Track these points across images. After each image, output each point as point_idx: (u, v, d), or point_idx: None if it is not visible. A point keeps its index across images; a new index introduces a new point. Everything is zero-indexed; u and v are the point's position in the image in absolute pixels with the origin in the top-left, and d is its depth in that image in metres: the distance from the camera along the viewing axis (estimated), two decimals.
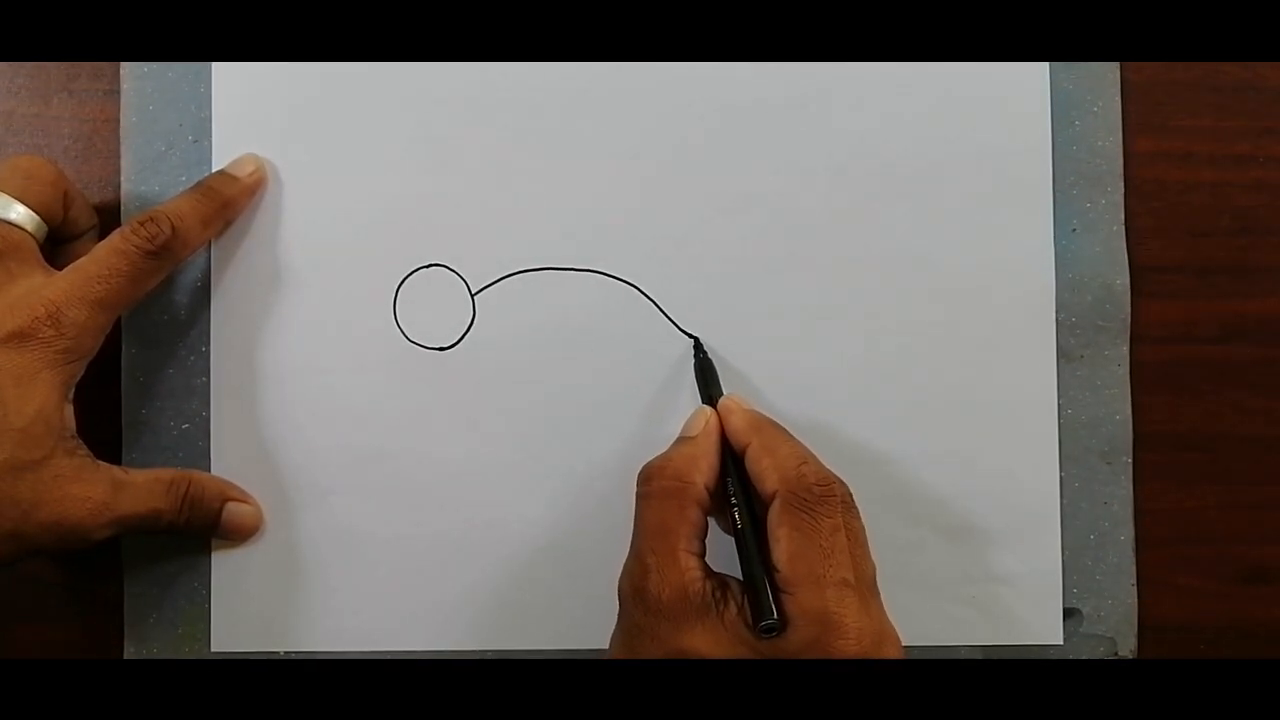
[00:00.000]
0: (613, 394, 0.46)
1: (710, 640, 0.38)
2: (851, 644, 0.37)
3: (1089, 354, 0.47)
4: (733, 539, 0.41)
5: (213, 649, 0.46)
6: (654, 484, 0.41)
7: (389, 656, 0.46)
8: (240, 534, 0.45)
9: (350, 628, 0.46)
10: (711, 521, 0.41)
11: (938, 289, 0.46)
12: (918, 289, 0.46)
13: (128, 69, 0.46)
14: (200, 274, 0.46)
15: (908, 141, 0.46)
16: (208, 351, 0.46)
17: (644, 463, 0.41)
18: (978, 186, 0.46)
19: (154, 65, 0.46)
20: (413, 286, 0.46)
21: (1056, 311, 0.46)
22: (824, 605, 0.37)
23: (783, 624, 0.38)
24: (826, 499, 0.39)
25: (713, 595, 0.39)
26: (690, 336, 0.46)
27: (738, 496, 0.41)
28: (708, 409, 0.43)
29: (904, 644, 0.46)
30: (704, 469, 0.41)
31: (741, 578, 0.40)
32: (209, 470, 0.46)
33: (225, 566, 0.46)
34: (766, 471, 0.40)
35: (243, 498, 0.45)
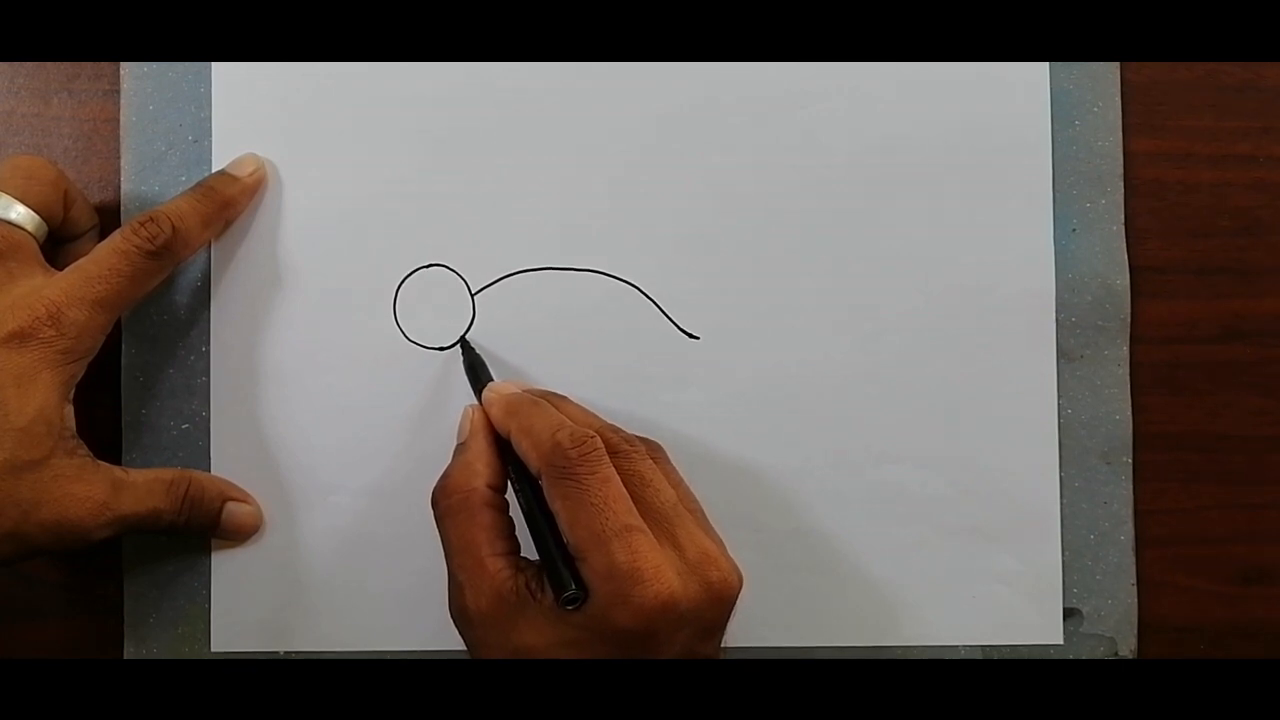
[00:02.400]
0: (613, 394, 0.46)
1: (536, 631, 0.38)
2: (653, 586, 0.37)
3: (1089, 354, 0.47)
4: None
5: (213, 649, 0.46)
6: (442, 503, 0.41)
7: (389, 656, 0.46)
8: (240, 534, 0.45)
9: (350, 628, 0.46)
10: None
11: (938, 289, 0.46)
12: (918, 289, 0.46)
13: (128, 69, 0.46)
14: (200, 274, 0.46)
15: (907, 141, 0.46)
16: (208, 351, 0.46)
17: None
18: (978, 186, 0.46)
19: (154, 65, 0.46)
20: (413, 286, 0.46)
21: (1056, 311, 0.46)
22: (611, 560, 0.37)
23: (585, 593, 0.37)
24: (586, 456, 0.38)
25: (528, 588, 0.39)
26: (691, 337, 0.46)
27: (517, 482, 0.41)
28: (469, 408, 0.43)
29: (904, 644, 0.46)
30: (482, 470, 0.41)
31: None
32: (209, 470, 0.46)
33: (225, 566, 0.46)
34: (528, 454, 0.40)
35: (243, 498, 0.45)
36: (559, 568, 0.38)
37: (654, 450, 0.42)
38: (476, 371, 0.45)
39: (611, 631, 0.37)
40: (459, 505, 0.40)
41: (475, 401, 0.43)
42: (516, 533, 0.41)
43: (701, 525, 0.40)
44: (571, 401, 0.43)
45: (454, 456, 0.42)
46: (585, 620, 0.37)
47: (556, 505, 0.39)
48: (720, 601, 0.39)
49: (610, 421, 0.42)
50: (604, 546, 0.37)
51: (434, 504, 0.41)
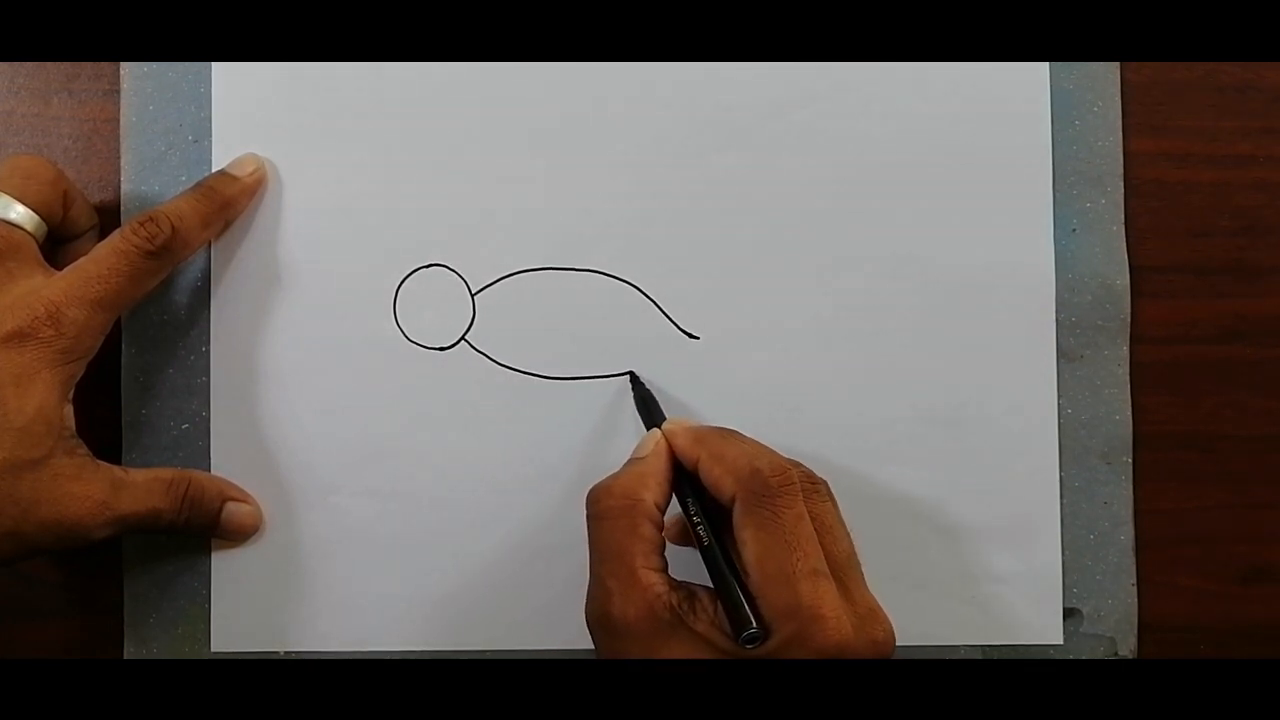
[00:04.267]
0: (613, 394, 0.46)
1: (686, 653, 0.37)
2: (832, 633, 0.37)
3: (1089, 354, 0.47)
4: (701, 556, 0.40)
5: (213, 649, 0.46)
6: (602, 504, 0.40)
7: (389, 656, 0.46)
8: (240, 534, 0.45)
9: (350, 628, 0.46)
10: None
11: (938, 289, 0.46)
12: (918, 289, 0.46)
13: (128, 69, 0.46)
14: (200, 274, 0.46)
15: (908, 141, 0.46)
16: (208, 351, 0.46)
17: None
18: (978, 186, 0.46)
19: (154, 65, 0.46)
20: (413, 286, 0.46)
21: (1056, 311, 0.46)
22: (798, 600, 0.37)
23: (764, 631, 0.37)
24: (785, 488, 0.38)
25: (681, 607, 0.38)
26: (691, 337, 0.46)
27: (699, 513, 0.40)
28: (656, 431, 0.42)
29: (904, 644, 0.46)
30: (652, 485, 0.40)
31: (710, 586, 0.39)
32: (209, 470, 0.46)
33: (225, 566, 0.46)
34: (721, 479, 0.39)
35: (242, 498, 0.45)
36: (741, 604, 0.38)
37: (829, 492, 0.41)
38: (648, 405, 0.44)
39: None
40: (621, 510, 0.39)
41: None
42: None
43: (864, 579, 0.40)
44: (747, 437, 0.42)
45: (625, 466, 0.42)
46: (755, 655, 0.37)
47: (746, 534, 0.38)
48: (880, 658, 0.38)
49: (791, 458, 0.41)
50: (793, 585, 0.37)
51: (592, 502, 0.40)
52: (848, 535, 0.40)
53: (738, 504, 0.39)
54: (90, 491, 0.41)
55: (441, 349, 0.46)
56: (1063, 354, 0.46)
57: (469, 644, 0.46)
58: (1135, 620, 0.46)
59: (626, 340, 0.46)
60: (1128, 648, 0.46)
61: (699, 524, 0.40)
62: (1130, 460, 0.47)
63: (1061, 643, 0.46)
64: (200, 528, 0.44)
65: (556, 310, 0.46)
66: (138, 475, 0.43)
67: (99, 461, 0.42)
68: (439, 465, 0.46)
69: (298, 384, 0.46)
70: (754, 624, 0.37)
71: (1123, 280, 0.47)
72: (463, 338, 0.46)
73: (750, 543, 0.38)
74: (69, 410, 0.42)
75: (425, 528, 0.46)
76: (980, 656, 0.46)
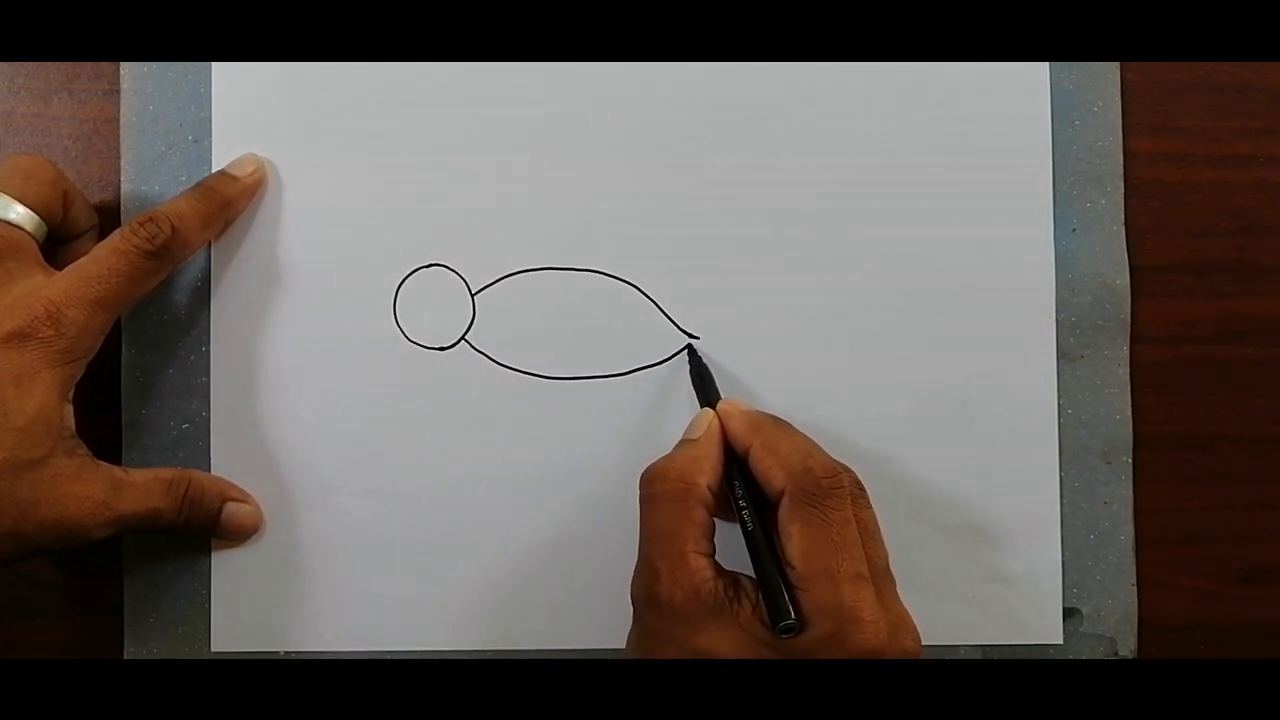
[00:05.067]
0: (613, 394, 0.46)
1: (727, 640, 0.38)
2: (869, 637, 0.37)
3: (1089, 354, 0.47)
4: (743, 539, 0.40)
5: (213, 649, 0.46)
6: (657, 486, 0.40)
7: (389, 656, 0.46)
8: (240, 534, 0.45)
9: (350, 628, 0.46)
10: (720, 521, 0.41)
11: (938, 289, 0.46)
12: (918, 289, 0.46)
13: (128, 69, 0.46)
14: (200, 274, 0.46)
15: (908, 141, 0.46)
16: (208, 351, 0.46)
17: (645, 464, 0.41)
18: (978, 186, 0.46)
19: (154, 65, 0.46)
20: (413, 286, 0.46)
21: (1056, 311, 0.46)
22: (839, 600, 0.37)
23: (801, 623, 0.38)
24: (835, 490, 0.39)
25: (726, 594, 0.38)
26: (691, 337, 0.46)
27: (745, 498, 0.41)
28: (709, 411, 0.43)
29: None
30: (707, 470, 0.41)
31: (754, 576, 0.39)
32: (209, 470, 0.46)
33: (225, 566, 0.46)
34: (772, 470, 0.40)
35: (242, 498, 0.45)
36: (781, 594, 0.38)
37: (868, 500, 0.41)
38: (704, 380, 0.44)
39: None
40: (677, 492, 0.40)
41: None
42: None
43: (896, 588, 0.40)
44: (799, 430, 0.42)
45: (679, 448, 0.42)
46: (789, 648, 0.37)
47: (793, 529, 0.39)
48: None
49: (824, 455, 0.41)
50: (836, 586, 0.37)
51: (646, 483, 0.41)
52: (884, 544, 0.40)
53: (787, 498, 0.39)
54: (90, 491, 0.41)
55: (441, 349, 0.46)
56: (1063, 354, 0.46)
57: (469, 644, 0.46)
58: (1135, 620, 0.46)
59: (626, 340, 0.46)
60: (1128, 648, 0.46)
61: (745, 509, 0.40)
62: (1130, 460, 0.47)
63: (1061, 643, 0.46)
64: (200, 528, 0.44)
65: (556, 310, 0.46)
66: (138, 475, 0.43)
67: (99, 462, 0.42)
68: (439, 465, 0.46)
69: (298, 384, 0.46)
70: (792, 615, 0.37)
71: (1123, 280, 0.47)
72: (463, 338, 0.46)
73: (797, 537, 0.38)
74: (69, 410, 0.42)
75: (425, 528, 0.46)
76: (980, 656, 0.46)
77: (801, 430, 0.42)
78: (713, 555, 0.40)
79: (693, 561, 0.39)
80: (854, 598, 0.37)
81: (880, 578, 0.39)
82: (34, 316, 0.40)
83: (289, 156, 0.46)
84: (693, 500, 0.40)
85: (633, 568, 0.40)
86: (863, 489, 0.40)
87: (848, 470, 0.40)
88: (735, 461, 0.41)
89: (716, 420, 0.42)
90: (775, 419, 0.42)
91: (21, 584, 0.46)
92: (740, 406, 0.43)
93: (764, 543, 0.39)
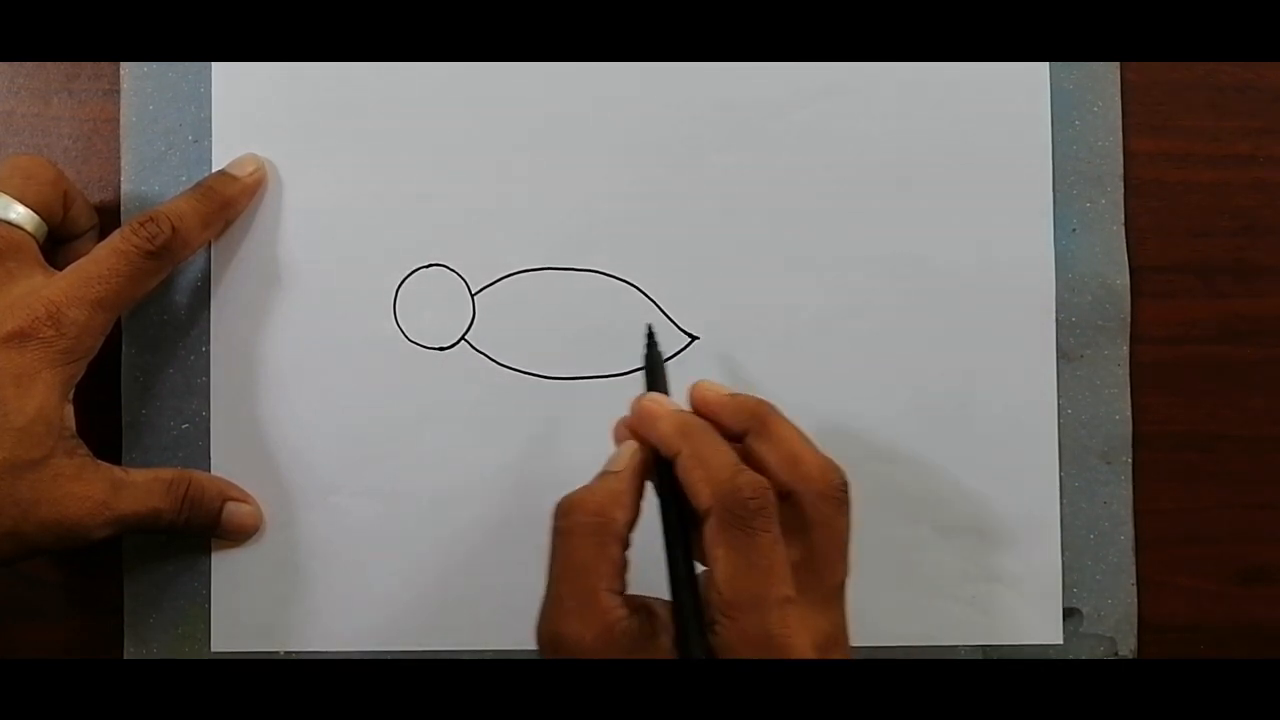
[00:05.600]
0: (613, 394, 0.46)
1: None
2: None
3: (1089, 354, 0.47)
4: (665, 558, 0.39)
5: (213, 649, 0.46)
6: (573, 519, 0.38)
7: (389, 656, 0.46)
8: (240, 534, 0.45)
9: (350, 628, 0.46)
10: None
11: (938, 289, 0.46)
12: (918, 289, 0.46)
13: (128, 69, 0.46)
14: (200, 274, 0.46)
15: (908, 141, 0.46)
16: (208, 351, 0.46)
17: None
18: (978, 186, 0.46)
19: (154, 65, 0.46)
20: (413, 286, 0.46)
21: (1056, 311, 0.46)
22: (766, 629, 0.36)
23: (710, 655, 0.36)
24: (762, 511, 0.36)
25: (640, 632, 0.37)
26: (691, 337, 0.46)
27: (667, 508, 0.39)
28: (633, 444, 0.40)
29: (904, 644, 0.46)
30: (626, 505, 0.38)
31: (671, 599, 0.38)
32: (209, 470, 0.46)
33: (225, 566, 0.46)
34: (698, 484, 0.37)
35: (242, 497, 0.45)
36: (694, 634, 0.36)
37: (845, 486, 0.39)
38: (655, 372, 0.42)
39: None
40: (592, 528, 0.38)
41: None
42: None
43: (844, 600, 0.38)
44: (785, 421, 0.40)
45: (598, 479, 0.39)
46: None
47: (718, 552, 0.36)
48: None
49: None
50: (763, 614, 0.36)
51: (561, 515, 0.38)
52: (845, 564, 0.38)
53: (713, 518, 0.37)
54: (90, 492, 0.41)
55: (441, 349, 0.46)
56: (1063, 354, 0.46)
57: (469, 644, 0.46)
58: (1135, 620, 0.46)
59: (626, 340, 0.46)
60: (1128, 648, 0.46)
61: (666, 518, 0.39)
62: (1130, 460, 0.47)
63: (1061, 643, 0.46)
64: (200, 528, 0.44)
65: (556, 310, 0.46)
66: (138, 475, 0.43)
67: (99, 461, 0.42)
68: (439, 465, 0.46)
69: (298, 384, 0.46)
70: (704, 655, 0.36)
71: (1123, 280, 0.47)
72: (463, 338, 0.46)
73: (721, 561, 0.36)
74: (69, 410, 0.42)
75: (425, 528, 0.46)
76: (980, 656, 0.46)
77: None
78: (624, 591, 0.38)
79: (604, 600, 0.37)
80: (781, 625, 0.36)
81: (822, 601, 0.37)
82: (34, 317, 0.40)
83: (289, 156, 0.46)
84: (609, 536, 0.38)
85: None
86: (846, 493, 0.38)
87: (837, 470, 0.38)
88: (663, 468, 0.39)
89: (640, 453, 0.39)
90: (706, 425, 0.39)
91: (21, 584, 0.46)
92: (669, 407, 0.40)
93: (681, 559, 0.38)
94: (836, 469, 0.39)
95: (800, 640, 0.36)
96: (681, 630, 0.37)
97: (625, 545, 0.38)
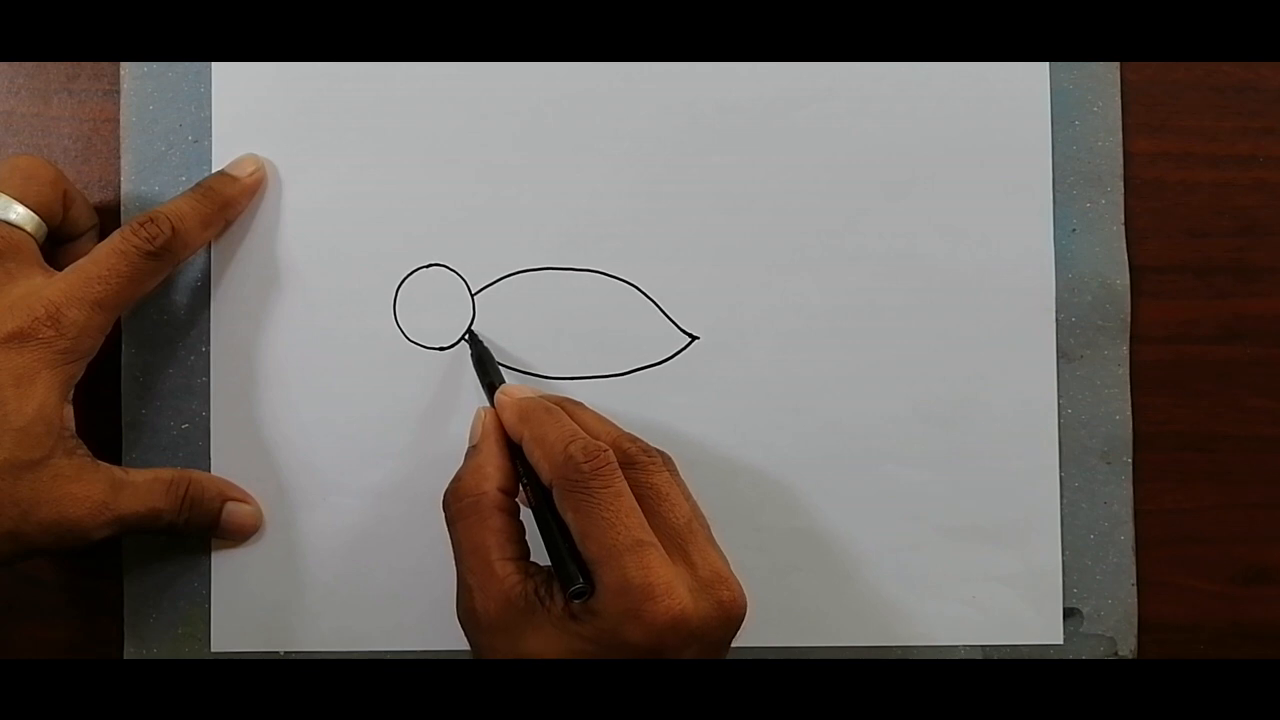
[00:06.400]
0: (613, 394, 0.46)
1: (542, 639, 0.38)
2: (664, 602, 0.37)
3: (1089, 354, 0.47)
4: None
5: (213, 649, 0.46)
6: (454, 506, 0.41)
7: (389, 656, 0.46)
8: (240, 534, 0.45)
9: (350, 628, 0.46)
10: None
11: (938, 289, 0.46)
12: (918, 289, 0.46)
13: (128, 69, 0.46)
14: (200, 274, 0.46)
15: (907, 141, 0.46)
16: (208, 351, 0.46)
17: None
18: (977, 186, 0.46)
19: (154, 65, 0.46)
20: (413, 286, 0.46)
21: (1056, 311, 0.46)
22: (624, 574, 0.37)
23: (590, 587, 0.38)
24: (599, 470, 0.39)
25: (537, 594, 0.39)
26: (691, 337, 0.46)
27: (530, 487, 0.41)
28: (482, 411, 0.43)
29: (904, 644, 0.46)
30: (492, 474, 0.41)
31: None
32: (209, 470, 0.46)
33: (225, 566, 0.46)
34: (540, 463, 0.40)
35: (243, 497, 0.45)
36: (566, 563, 0.38)
37: (667, 463, 0.41)
38: (485, 366, 0.44)
39: (621, 645, 0.37)
40: (469, 509, 0.40)
41: (482, 397, 0.43)
42: (527, 537, 0.41)
43: (712, 543, 0.40)
44: (587, 408, 0.43)
45: (465, 459, 0.42)
46: (595, 633, 0.37)
47: (569, 517, 0.39)
48: (729, 621, 0.39)
49: (627, 431, 0.42)
50: (617, 561, 0.37)
51: (445, 507, 0.41)
52: (687, 500, 0.40)
53: (556, 490, 0.39)
54: (90, 492, 0.41)
55: (441, 349, 0.46)
56: (1062, 354, 0.46)
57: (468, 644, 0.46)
58: (1135, 620, 0.46)
59: (626, 340, 0.46)
60: (1128, 648, 0.46)
61: (528, 487, 0.41)
62: (1130, 460, 0.47)
63: (1061, 643, 0.46)
64: (200, 528, 0.44)
65: (556, 310, 0.46)
66: (138, 475, 0.43)
67: (99, 462, 0.42)
68: (439, 465, 0.46)
69: (298, 384, 0.46)
70: (578, 579, 0.38)
71: (1123, 280, 0.47)
72: (462, 338, 0.46)
73: (574, 524, 0.39)
74: (69, 411, 0.42)
75: (425, 528, 0.46)
76: (980, 656, 0.46)
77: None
78: (523, 557, 0.40)
79: (499, 569, 0.39)
80: (639, 568, 0.37)
81: (682, 537, 0.39)
82: (34, 317, 0.40)
83: (289, 156, 0.46)
84: (486, 509, 0.40)
85: None
86: (653, 456, 0.40)
87: (635, 441, 0.40)
88: (517, 451, 0.41)
89: (491, 417, 0.42)
90: (547, 406, 0.41)
91: (21, 584, 0.46)
92: (515, 395, 0.42)
93: (547, 518, 0.40)
94: (605, 447, 0.39)
95: (664, 580, 0.37)
96: (557, 569, 0.39)
97: (507, 511, 0.40)
